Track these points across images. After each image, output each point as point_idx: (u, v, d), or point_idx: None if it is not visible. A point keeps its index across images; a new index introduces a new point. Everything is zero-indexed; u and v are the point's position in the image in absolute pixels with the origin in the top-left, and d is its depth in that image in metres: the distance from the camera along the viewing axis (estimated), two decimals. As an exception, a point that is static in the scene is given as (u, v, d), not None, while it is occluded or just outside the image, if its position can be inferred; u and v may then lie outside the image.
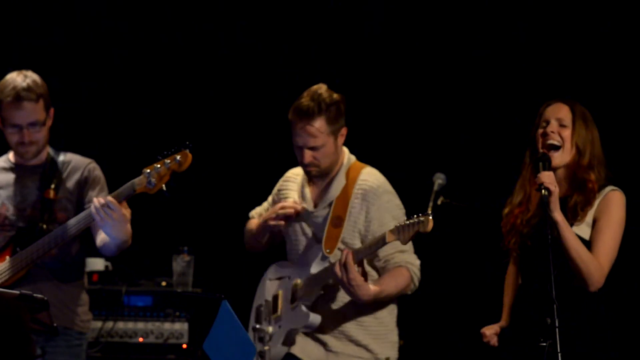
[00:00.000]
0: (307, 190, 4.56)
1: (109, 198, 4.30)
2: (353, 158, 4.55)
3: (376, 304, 4.45)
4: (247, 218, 4.94)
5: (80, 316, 4.60)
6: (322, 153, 4.42)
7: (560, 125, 3.98)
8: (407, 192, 4.62)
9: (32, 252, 4.42)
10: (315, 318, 4.39)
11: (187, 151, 4.19)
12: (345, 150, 4.56)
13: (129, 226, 4.46)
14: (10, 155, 4.66)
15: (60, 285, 4.54)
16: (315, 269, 4.42)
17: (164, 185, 4.23)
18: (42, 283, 4.46)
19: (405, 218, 4.26)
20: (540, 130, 4.00)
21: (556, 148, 3.95)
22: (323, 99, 4.40)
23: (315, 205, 4.52)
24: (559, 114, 3.99)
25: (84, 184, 4.58)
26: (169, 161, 4.20)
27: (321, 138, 4.40)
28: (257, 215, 4.78)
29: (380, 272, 4.44)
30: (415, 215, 4.13)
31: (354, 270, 4.21)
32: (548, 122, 3.99)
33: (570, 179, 3.98)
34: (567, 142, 3.97)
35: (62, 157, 4.64)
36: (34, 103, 4.47)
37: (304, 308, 4.40)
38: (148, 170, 4.24)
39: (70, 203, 4.57)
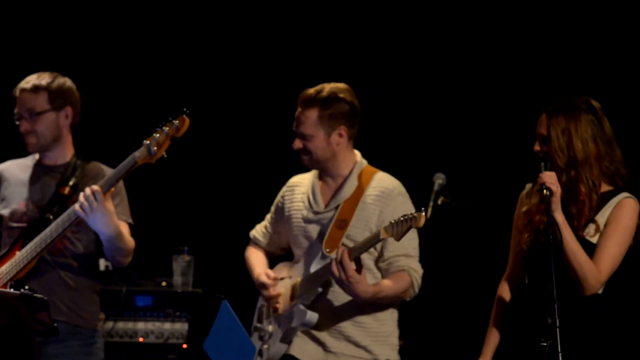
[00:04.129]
0: (318, 191, 4.56)
1: (95, 187, 4.33)
2: (365, 162, 4.57)
3: (376, 306, 4.45)
4: (248, 218, 4.94)
5: (92, 314, 4.60)
6: (311, 144, 4.44)
7: (541, 142, 3.94)
8: (407, 192, 4.62)
9: (38, 244, 4.43)
10: (312, 316, 4.38)
11: (184, 116, 4.21)
12: (357, 153, 4.57)
13: (115, 221, 4.45)
14: (37, 154, 4.70)
15: (71, 284, 4.54)
16: (314, 267, 4.42)
17: (164, 153, 4.25)
18: (53, 282, 4.48)
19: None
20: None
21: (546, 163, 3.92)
22: (324, 92, 4.44)
23: (326, 206, 4.52)
24: (540, 128, 3.94)
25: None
26: (167, 128, 4.23)
27: (309, 127, 4.42)
28: (259, 235, 4.76)
29: (382, 273, 4.45)
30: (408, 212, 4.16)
31: (351, 267, 4.21)
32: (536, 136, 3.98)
33: (563, 185, 3.92)
34: (552, 153, 3.93)
35: (86, 164, 4.68)
36: (32, 93, 4.57)
37: (301, 306, 4.40)
38: (148, 142, 4.27)
39: None
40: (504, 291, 4.14)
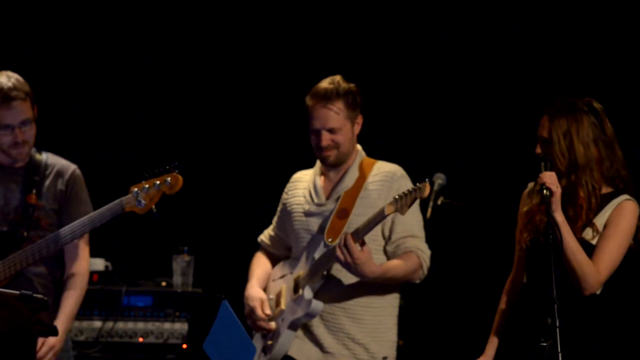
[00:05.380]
0: (319, 183, 4.57)
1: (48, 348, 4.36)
2: (364, 153, 4.59)
3: (375, 302, 4.45)
4: (248, 218, 4.94)
5: None
6: (340, 136, 4.45)
7: (543, 145, 3.94)
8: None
9: (14, 263, 4.40)
10: (317, 305, 4.38)
11: (177, 173, 4.20)
12: (359, 147, 4.59)
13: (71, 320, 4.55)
14: None
15: (42, 290, 4.48)
16: (317, 254, 4.43)
17: (153, 206, 4.23)
18: (26, 289, 4.41)
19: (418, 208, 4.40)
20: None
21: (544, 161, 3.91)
22: (341, 84, 4.46)
23: (328, 198, 4.53)
24: (542, 131, 3.94)
25: (66, 195, 4.55)
26: (159, 182, 4.20)
27: (340, 120, 4.43)
28: (266, 238, 4.77)
29: (390, 257, 4.45)
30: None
31: (356, 249, 4.21)
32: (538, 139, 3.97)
33: (563, 188, 3.92)
34: (553, 156, 3.92)
35: (44, 159, 4.58)
36: (23, 101, 4.42)
37: (306, 295, 4.39)
38: (136, 190, 4.24)
39: (53, 209, 4.53)
40: (509, 293, 4.14)
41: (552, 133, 3.90)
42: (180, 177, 4.18)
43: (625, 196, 3.91)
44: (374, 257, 4.33)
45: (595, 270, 3.83)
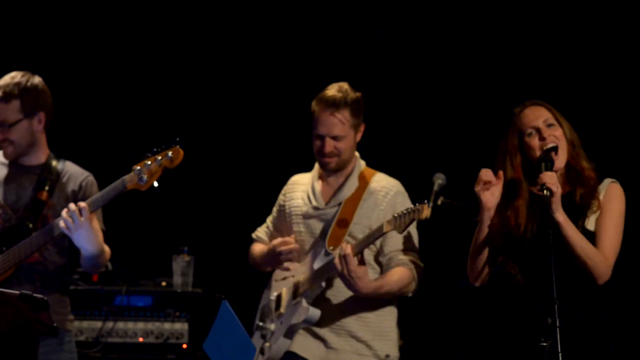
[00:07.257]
0: (318, 187, 4.59)
1: (82, 204, 4.30)
2: (363, 163, 4.61)
3: (377, 302, 4.47)
4: (248, 218, 4.93)
5: (66, 316, 4.61)
6: (343, 144, 4.49)
7: (548, 126, 3.99)
8: (407, 192, 4.62)
9: (18, 252, 4.41)
10: (314, 312, 4.41)
11: (178, 147, 4.21)
12: (357, 154, 4.60)
13: (100, 239, 4.44)
14: None
15: (44, 291, 4.49)
16: (317, 264, 4.45)
17: (155, 182, 4.23)
18: (28, 287, 4.42)
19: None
20: (533, 141, 3.99)
21: (556, 149, 3.95)
22: (349, 93, 4.50)
23: (327, 203, 4.54)
24: (542, 116, 4.00)
25: (78, 195, 4.56)
26: (160, 157, 4.21)
27: (345, 128, 4.47)
28: (262, 234, 4.78)
29: (383, 268, 4.47)
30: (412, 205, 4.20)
31: (354, 262, 4.24)
32: (536, 128, 3.98)
33: (566, 174, 3.99)
34: (562, 140, 3.99)
35: (61, 164, 4.62)
36: (4, 103, 4.48)
37: (304, 302, 4.43)
38: (138, 167, 4.25)
39: (62, 210, 4.55)
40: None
41: (556, 116, 4.00)
42: (181, 151, 4.20)
43: (610, 179, 4.01)
44: (365, 259, 4.36)
45: (604, 258, 3.88)
